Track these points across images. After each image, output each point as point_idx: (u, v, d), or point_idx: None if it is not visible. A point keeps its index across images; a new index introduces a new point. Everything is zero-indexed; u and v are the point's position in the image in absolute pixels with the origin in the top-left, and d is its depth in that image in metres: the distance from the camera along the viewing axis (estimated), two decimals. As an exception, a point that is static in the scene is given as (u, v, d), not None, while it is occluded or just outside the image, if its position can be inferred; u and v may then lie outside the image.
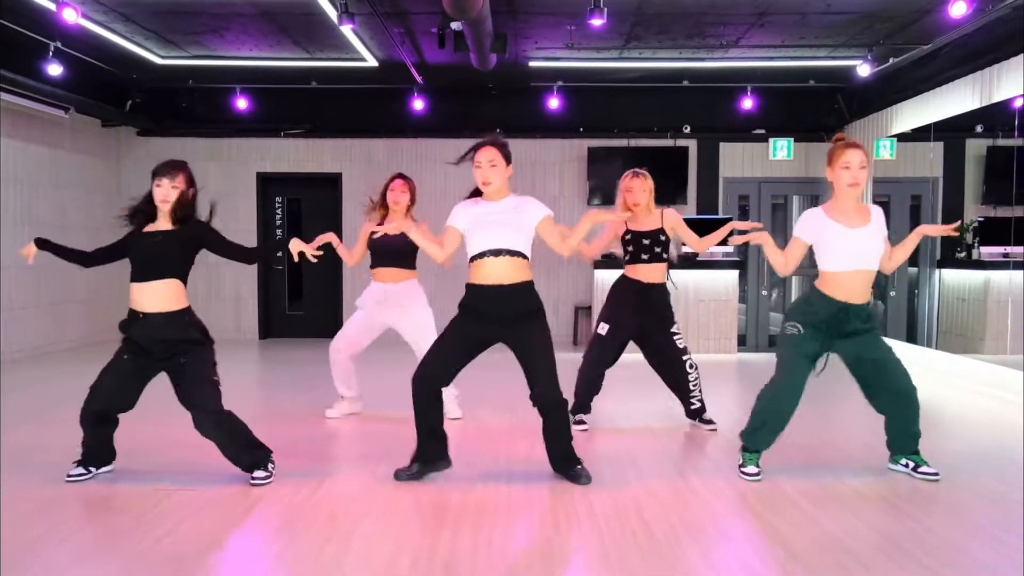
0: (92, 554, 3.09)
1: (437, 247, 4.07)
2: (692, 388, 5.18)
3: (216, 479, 4.01)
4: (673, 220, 5.07)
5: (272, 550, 3.14)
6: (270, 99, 9.71)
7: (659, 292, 5.09)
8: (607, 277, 9.00)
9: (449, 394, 5.43)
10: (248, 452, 3.94)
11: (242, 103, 9.37)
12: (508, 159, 3.97)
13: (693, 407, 5.22)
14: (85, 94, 8.46)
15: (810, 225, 3.98)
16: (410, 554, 3.07)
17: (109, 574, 2.91)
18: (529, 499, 3.77)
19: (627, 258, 5.10)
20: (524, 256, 3.93)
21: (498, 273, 3.88)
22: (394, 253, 5.23)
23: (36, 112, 8.27)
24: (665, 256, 5.07)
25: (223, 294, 10.19)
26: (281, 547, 3.16)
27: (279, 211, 10.38)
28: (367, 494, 3.85)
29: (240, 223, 10.03)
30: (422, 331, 5.20)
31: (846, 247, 3.90)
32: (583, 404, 5.25)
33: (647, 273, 5.05)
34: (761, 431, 4.09)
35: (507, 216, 3.93)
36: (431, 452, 4.02)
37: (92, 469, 4.01)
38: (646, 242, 5.02)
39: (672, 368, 5.19)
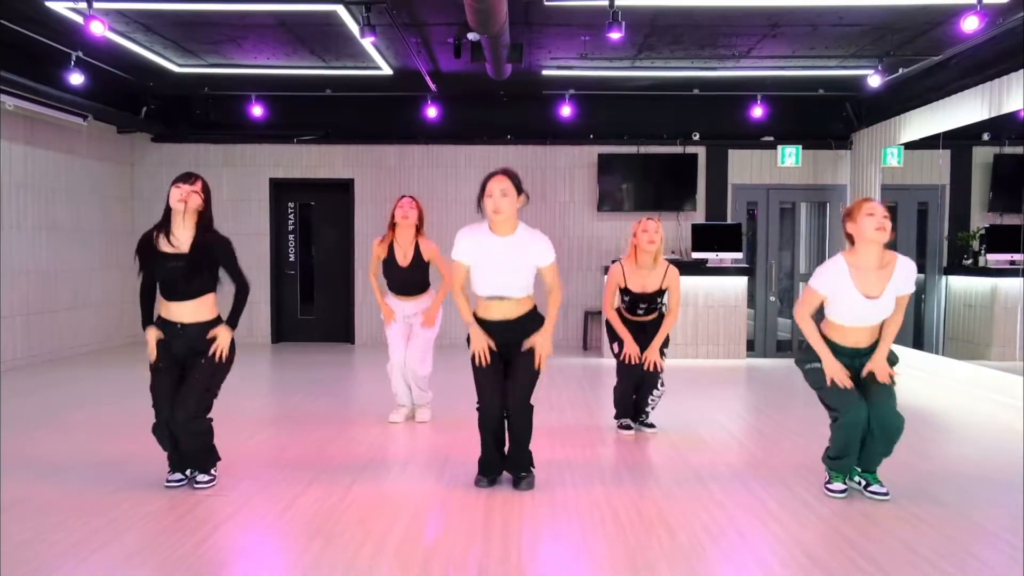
0: (134, 559, 3.18)
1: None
2: (651, 400, 5.37)
3: (242, 484, 4.12)
4: (674, 281, 5.19)
5: (308, 558, 3.22)
6: (284, 106, 9.82)
7: (653, 325, 5.30)
8: (617, 283, 9.11)
9: (423, 399, 5.68)
10: (206, 457, 4.11)
11: (257, 110, 9.48)
12: (520, 189, 3.96)
13: (641, 418, 5.45)
14: (103, 102, 8.58)
15: (829, 280, 3.92)
16: (443, 559, 3.17)
17: (153, 578, 3.01)
18: (553, 504, 3.87)
19: (624, 307, 5.34)
20: (528, 295, 4.06)
21: (504, 311, 4.01)
22: (406, 283, 5.50)
23: (56, 120, 8.38)
24: (663, 307, 5.31)
25: (236, 298, 10.26)
26: (317, 552, 3.25)
27: (291, 216, 10.48)
28: (394, 498, 3.95)
29: (253, 228, 10.15)
30: (422, 333, 5.51)
31: (858, 311, 3.88)
32: (622, 413, 5.49)
33: (643, 318, 5.32)
34: (846, 459, 3.99)
35: (513, 256, 3.95)
36: (497, 466, 4.20)
37: (188, 473, 4.12)
38: (644, 305, 5.26)
39: (646, 376, 5.27)
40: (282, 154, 10.21)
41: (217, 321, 4.08)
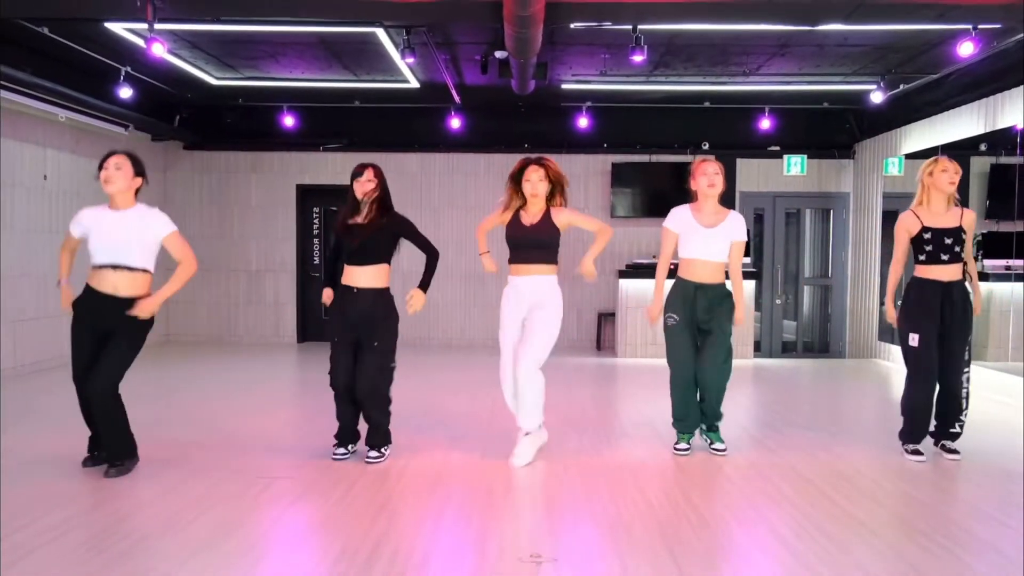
0: (224, 528, 3.60)
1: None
2: (961, 409, 4.85)
3: (305, 468, 4.56)
4: (969, 223, 4.79)
5: (377, 531, 3.65)
6: (311, 116, 10.25)
7: (962, 291, 4.78)
8: (631, 286, 9.57)
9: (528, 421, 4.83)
10: (383, 433, 4.81)
11: (289, 120, 9.92)
12: (137, 171, 4.37)
13: (952, 430, 4.88)
14: (141, 111, 9.02)
15: (677, 216, 4.98)
16: (497, 532, 3.61)
17: (245, 548, 3.44)
18: (587, 488, 4.30)
19: (923, 258, 4.82)
20: (144, 271, 4.36)
21: (113, 283, 4.29)
22: (529, 244, 4.75)
23: (100, 130, 8.83)
24: (962, 255, 4.78)
25: (264, 300, 10.74)
26: (385, 526, 3.68)
27: (316, 221, 10.92)
28: (445, 477, 4.38)
29: (280, 232, 10.59)
30: (545, 330, 4.70)
31: (698, 243, 4.88)
32: (916, 432, 4.92)
33: (947, 272, 4.77)
34: (685, 420, 5.06)
35: (130, 228, 4.30)
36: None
37: (350, 447, 4.83)
38: (949, 240, 4.74)
39: (944, 377, 4.81)
40: (308, 161, 10.65)
41: (387, 292, 4.72)
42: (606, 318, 10.41)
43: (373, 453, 4.75)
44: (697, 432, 5.18)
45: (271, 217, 10.63)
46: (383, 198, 4.72)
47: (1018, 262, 8.08)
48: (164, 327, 10.58)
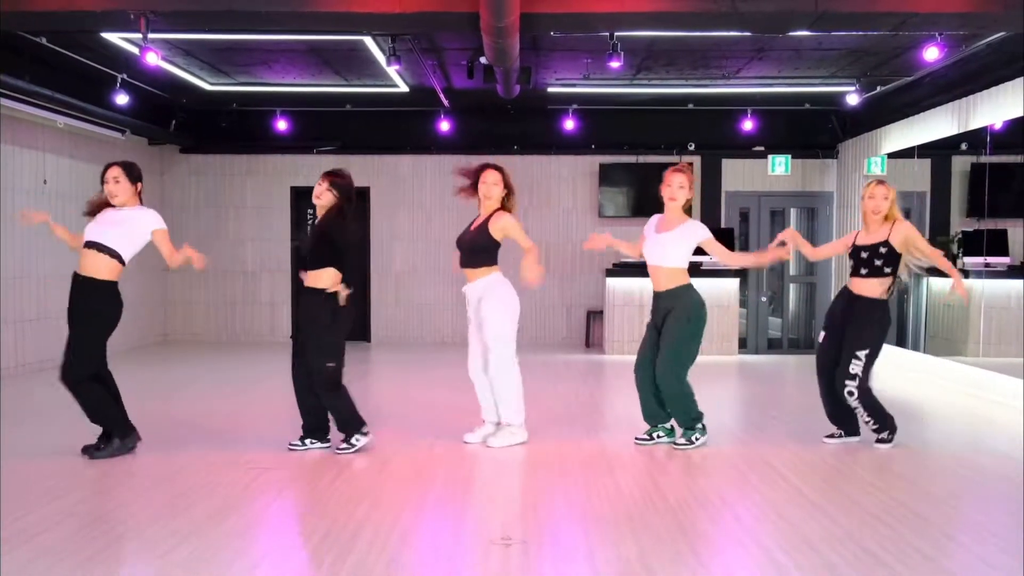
0: (219, 515, 3.81)
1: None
2: (851, 411, 5.12)
3: (295, 460, 4.77)
4: (903, 235, 4.93)
5: (360, 515, 3.86)
6: (305, 119, 10.46)
7: (865, 305, 5.02)
8: (618, 285, 9.78)
9: (508, 416, 5.13)
10: (342, 422, 4.92)
11: (282, 124, 10.13)
12: (133, 178, 4.83)
13: (872, 429, 5.13)
14: (138, 116, 9.22)
15: (648, 223, 5.26)
16: (473, 516, 3.82)
17: (237, 531, 3.64)
18: (564, 477, 4.51)
19: (850, 271, 5.19)
20: (114, 254, 4.73)
21: (85, 262, 4.73)
22: (466, 251, 5.13)
23: (97, 135, 9.04)
24: (888, 271, 4.97)
25: (259, 299, 10.94)
26: (367, 511, 3.88)
27: (310, 222, 11.12)
28: (426, 468, 4.59)
29: (274, 233, 10.80)
30: (487, 326, 5.01)
31: (650, 248, 5.09)
32: (832, 418, 5.30)
33: (860, 285, 5.06)
34: (647, 415, 5.25)
35: (119, 217, 4.78)
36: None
37: (307, 442, 4.97)
38: (865, 255, 5.01)
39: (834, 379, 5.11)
40: (302, 164, 10.85)
41: (319, 293, 4.78)
42: (594, 316, 10.61)
43: (343, 444, 4.89)
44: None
45: (266, 219, 10.84)
46: (336, 204, 4.80)
47: (995, 259, 8.29)
48: (162, 327, 10.79)
